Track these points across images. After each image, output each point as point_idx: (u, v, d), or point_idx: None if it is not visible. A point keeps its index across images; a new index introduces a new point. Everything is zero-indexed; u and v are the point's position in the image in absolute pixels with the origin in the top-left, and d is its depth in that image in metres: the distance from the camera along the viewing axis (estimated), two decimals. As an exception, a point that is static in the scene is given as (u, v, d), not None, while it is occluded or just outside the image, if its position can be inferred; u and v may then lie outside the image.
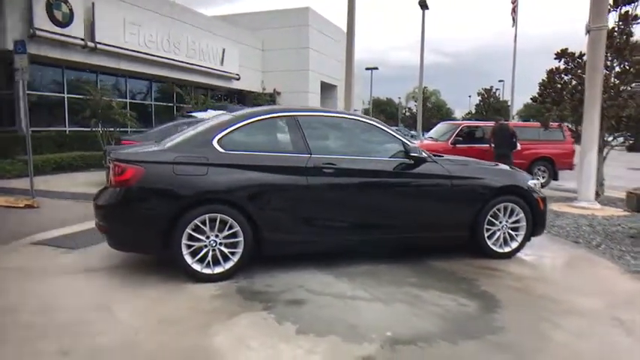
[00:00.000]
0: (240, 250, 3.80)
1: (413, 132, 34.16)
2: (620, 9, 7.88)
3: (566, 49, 8.74)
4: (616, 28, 7.94)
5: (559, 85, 8.56)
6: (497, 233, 4.50)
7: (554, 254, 4.84)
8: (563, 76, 8.62)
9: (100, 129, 14.20)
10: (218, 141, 3.88)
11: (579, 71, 8.24)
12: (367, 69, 43.02)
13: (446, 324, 3.07)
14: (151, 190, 3.68)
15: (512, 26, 26.80)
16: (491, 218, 4.45)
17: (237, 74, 21.18)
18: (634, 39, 7.80)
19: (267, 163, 3.90)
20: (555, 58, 8.85)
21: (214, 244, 3.74)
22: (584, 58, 8.39)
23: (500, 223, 4.49)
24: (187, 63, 17.86)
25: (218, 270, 3.76)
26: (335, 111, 4.94)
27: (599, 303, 3.52)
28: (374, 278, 3.95)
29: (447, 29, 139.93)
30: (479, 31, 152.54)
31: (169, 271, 3.88)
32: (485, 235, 4.45)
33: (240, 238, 3.78)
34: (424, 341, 2.82)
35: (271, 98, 23.26)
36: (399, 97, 65.81)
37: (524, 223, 4.53)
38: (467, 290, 3.73)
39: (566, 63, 8.51)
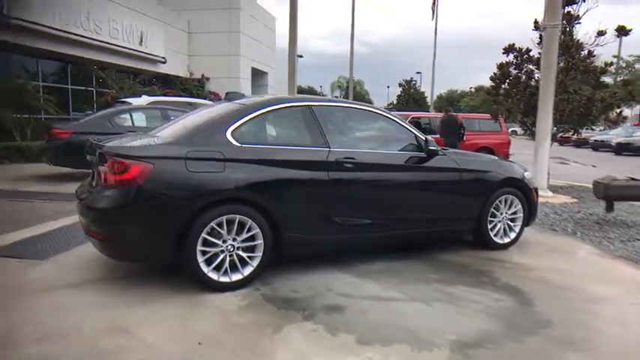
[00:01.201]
0: (259, 254, 3.45)
1: None
2: (564, 9, 8.44)
3: (514, 44, 9.24)
4: (559, 27, 8.50)
5: (510, 79, 9.01)
6: (498, 225, 4.59)
7: (543, 242, 5.03)
8: (512, 70, 9.09)
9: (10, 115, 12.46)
10: (232, 133, 3.46)
11: (530, 66, 8.74)
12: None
13: (498, 321, 3.02)
14: (161, 189, 3.17)
15: (432, 19, 28.19)
16: (493, 210, 4.52)
17: (164, 57, 19.80)
18: (576, 37, 8.43)
19: (288, 158, 3.57)
20: (503, 53, 9.33)
21: (232, 249, 3.35)
22: (531, 53, 8.94)
23: (501, 214, 4.58)
24: (109, 43, 16.27)
25: (236, 277, 3.38)
26: (347, 101, 4.69)
27: (612, 289, 3.68)
28: (396, 276, 3.81)
29: (366, 20, 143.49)
30: (395, 22, 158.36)
31: (171, 282, 3.44)
32: (489, 227, 4.51)
33: (260, 241, 3.43)
34: (490, 342, 2.74)
35: (199, 83, 22.09)
36: (321, 86, 66.43)
37: (521, 214, 4.67)
38: (491, 284, 3.73)
39: (515, 58, 8.98)
